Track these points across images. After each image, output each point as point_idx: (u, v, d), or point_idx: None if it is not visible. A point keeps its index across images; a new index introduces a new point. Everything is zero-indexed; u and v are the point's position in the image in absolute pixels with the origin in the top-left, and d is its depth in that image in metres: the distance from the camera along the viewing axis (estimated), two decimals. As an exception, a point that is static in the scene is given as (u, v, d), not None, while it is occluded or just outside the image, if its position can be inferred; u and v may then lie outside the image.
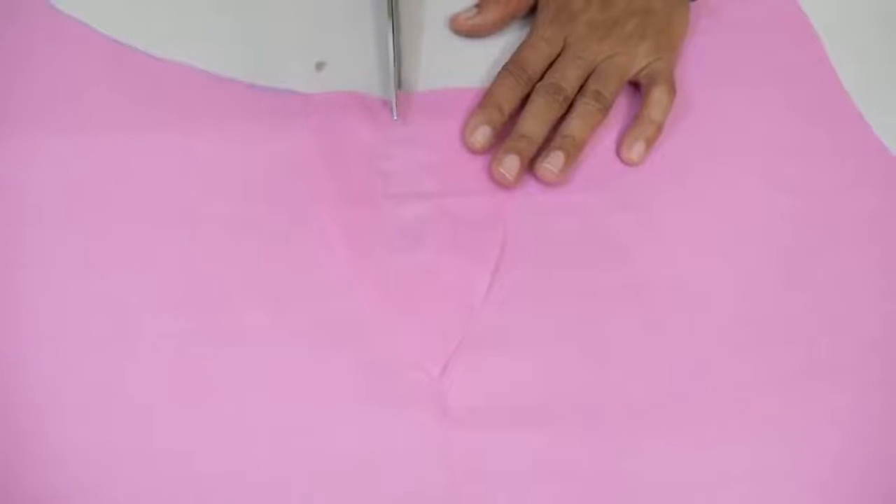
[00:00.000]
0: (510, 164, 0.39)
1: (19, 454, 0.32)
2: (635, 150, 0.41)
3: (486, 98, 0.41)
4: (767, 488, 0.34)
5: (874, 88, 0.44)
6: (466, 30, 0.44)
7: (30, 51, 0.41)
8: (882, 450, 0.35)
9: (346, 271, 0.37)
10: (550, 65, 0.42)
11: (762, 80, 0.44)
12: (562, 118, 0.40)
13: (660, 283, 0.38)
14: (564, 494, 0.33)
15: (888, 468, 0.35)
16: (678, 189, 0.41)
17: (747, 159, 0.42)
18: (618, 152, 0.41)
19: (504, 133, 0.40)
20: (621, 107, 0.43)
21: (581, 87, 0.41)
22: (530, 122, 0.40)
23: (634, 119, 0.42)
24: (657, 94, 0.41)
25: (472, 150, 0.40)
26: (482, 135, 0.40)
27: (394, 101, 0.41)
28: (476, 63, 0.44)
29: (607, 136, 0.42)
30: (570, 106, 0.41)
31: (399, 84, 0.42)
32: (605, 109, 0.41)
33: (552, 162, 0.39)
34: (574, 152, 0.40)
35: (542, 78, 0.41)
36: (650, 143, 0.41)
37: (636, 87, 0.43)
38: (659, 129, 0.41)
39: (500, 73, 0.41)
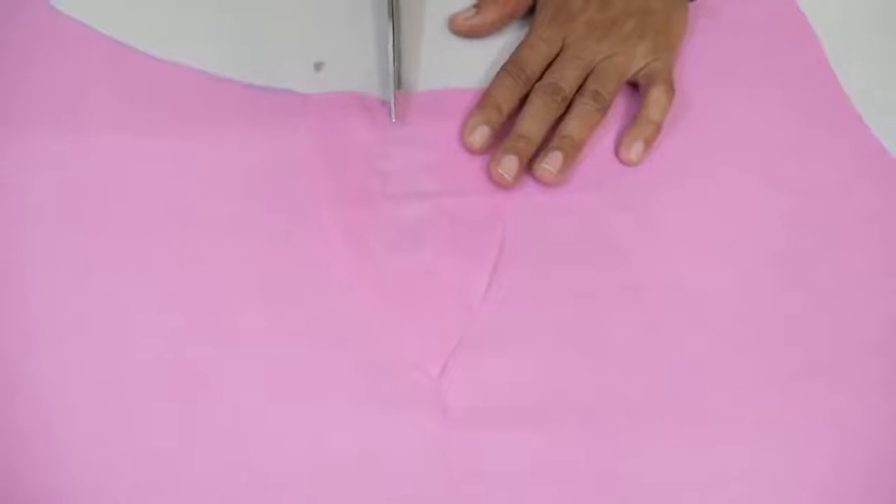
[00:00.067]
0: (509, 165, 0.39)
1: (17, 453, 0.32)
2: (634, 150, 0.41)
3: (485, 98, 0.41)
4: (766, 488, 0.34)
5: (873, 89, 0.44)
6: (465, 30, 0.44)
7: (29, 51, 0.41)
8: (882, 450, 0.35)
9: (345, 271, 0.37)
10: (549, 65, 0.42)
11: (761, 81, 0.44)
12: (560, 118, 0.40)
13: (658, 284, 0.38)
14: (563, 494, 0.33)
15: (888, 468, 0.35)
16: (677, 189, 0.41)
17: (746, 159, 0.42)
18: (616, 152, 0.41)
19: (503, 133, 0.40)
20: (620, 107, 0.43)
21: (580, 88, 0.41)
22: (529, 122, 0.40)
23: (633, 119, 0.42)
24: (656, 94, 0.41)
25: (471, 151, 0.40)
26: (481, 135, 0.40)
27: (392, 102, 0.41)
28: (475, 63, 0.44)
29: (606, 137, 0.42)
30: (569, 106, 0.41)
31: (398, 84, 0.42)
32: (604, 109, 0.41)
33: (551, 162, 0.39)
34: (573, 152, 0.40)
35: (540, 78, 0.41)
36: (649, 144, 0.41)
37: (635, 87, 0.43)
38: (657, 129, 0.41)
39: (498, 73, 0.41)
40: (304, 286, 0.36)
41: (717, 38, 0.46)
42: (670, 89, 0.42)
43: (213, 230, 0.37)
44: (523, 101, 0.41)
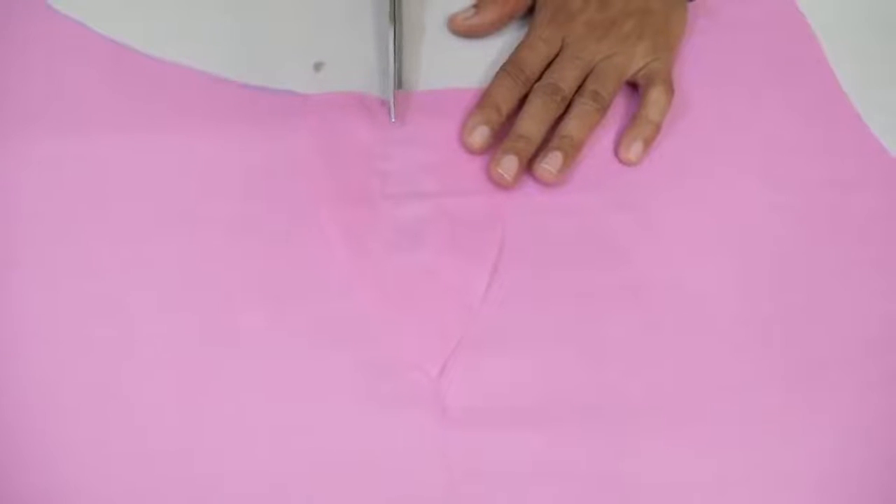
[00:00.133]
0: (508, 165, 0.39)
1: (15, 455, 0.32)
2: (633, 150, 0.41)
3: (484, 98, 0.41)
4: (766, 488, 0.34)
5: (872, 88, 0.44)
6: (464, 30, 0.44)
7: (27, 51, 0.41)
8: (882, 450, 0.35)
9: (344, 271, 0.37)
10: (548, 65, 0.42)
11: (760, 81, 0.44)
12: (560, 118, 0.40)
13: (658, 284, 0.38)
14: (563, 494, 0.33)
15: (888, 468, 0.35)
16: (676, 189, 0.41)
17: (745, 159, 0.42)
18: (616, 152, 0.41)
19: (502, 133, 0.40)
20: (619, 107, 0.43)
21: (579, 88, 0.41)
22: (528, 122, 0.40)
23: (632, 119, 0.42)
24: (655, 94, 0.41)
25: (471, 151, 0.40)
26: (480, 135, 0.40)
27: (392, 102, 0.41)
28: (474, 63, 0.44)
29: (605, 137, 0.42)
30: (568, 106, 0.41)
31: (399, 84, 0.42)
32: (603, 109, 0.41)
33: (550, 162, 0.39)
34: (572, 152, 0.40)
35: (539, 78, 0.41)
36: (648, 143, 0.41)
37: (634, 87, 0.43)
38: (657, 129, 0.41)
39: (497, 73, 0.41)
40: (304, 286, 0.36)
41: (716, 38, 0.46)
42: (670, 89, 0.42)
43: (212, 230, 0.37)
44: (523, 101, 0.41)
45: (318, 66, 0.43)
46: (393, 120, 0.41)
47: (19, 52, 0.41)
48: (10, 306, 0.35)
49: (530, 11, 0.45)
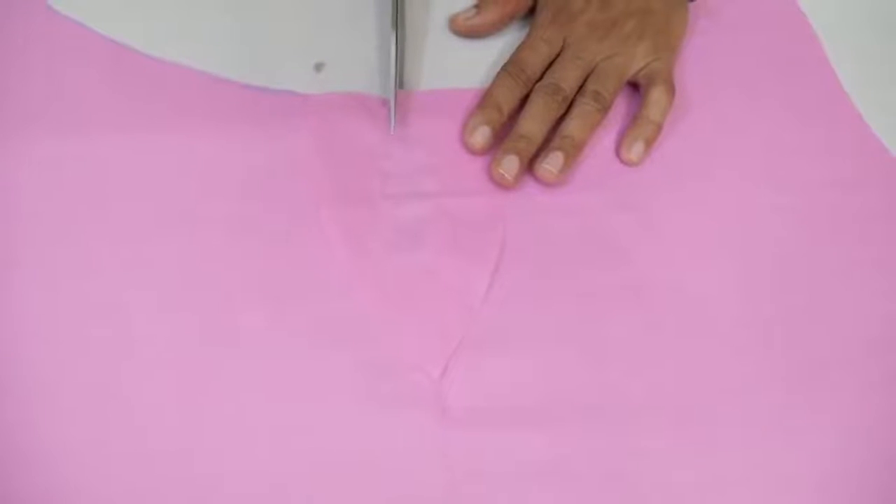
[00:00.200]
0: (509, 165, 0.39)
1: (15, 455, 0.32)
2: (634, 150, 0.41)
3: (486, 98, 0.41)
4: (767, 488, 0.34)
5: (873, 88, 0.44)
6: (465, 30, 0.44)
7: (27, 51, 0.41)
8: (882, 450, 0.35)
9: (345, 271, 0.37)
10: (549, 65, 0.42)
11: (761, 81, 0.44)
12: (561, 118, 0.40)
13: (659, 284, 0.38)
14: (564, 495, 0.33)
15: (889, 469, 0.35)
16: (677, 189, 0.41)
17: (747, 159, 0.42)
18: (617, 153, 0.41)
19: (503, 133, 0.40)
20: (620, 107, 0.43)
21: (580, 88, 0.41)
22: (529, 122, 0.40)
23: (633, 119, 0.42)
24: (656, 95, 0.41)
25: (472, 151, 0.40)
26: (481, 135, 0.40)
27: (392, 112, 0.40)
28: (475, 63, 0.44)
29: (606, 137, 0.42)
30: (570, 106, 0.41)
31: (400, 84, 0.42)
32: (605, 110, 0.41)
33: (551, 162, 0.39)
34: (573, 153, 0.40)
35: (541, 78, 0.41)
36: (649, 144, 0.41)
37: (635, 87, 0.43)
38: (658, 129, 0.41)
39: (498, 73, 0.41)
40: (304, 286, 0.36)
41: (717, 39, 0.46)
42: (671, 89, 0.42)
43: (213, 230, 0.37)
44: (524, 101, 0.41)
45: (318, 67, 0.43)
46: (392, 132, 0.40)
47: (19, 52, 0.41)
48: (10, 306, 0.35)
49: (531, 12, 0.45)
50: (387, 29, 0.42)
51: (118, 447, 0.33)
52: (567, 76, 0.41)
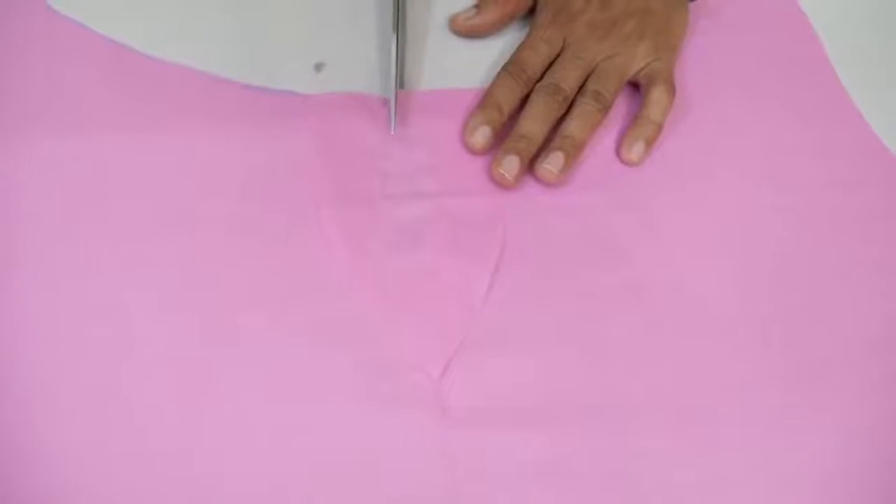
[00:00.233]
0: (510, 165, 0.39)
1: (15, 455, 0.32)
2: (635, 150, 0.41)
3: (486, 98, 0.41)
4: (767, 488, 0.34)
5: (873, 88, 0.44)
6: (465, 30, 0.44)
7: (27, 51, 0.41)
8: (882, 450, 0.35)
9: (345, 271, 0.37)
10: (550, 65, 0.42)
11: (761, 81, 0.44)
12: (561, 118, 0.40)
13: (659, 284, 0.38)
14: (565, 495, 0.33)
15: (889, 468, 0.35)
16: (678, 189, 0.41)
17: (747, 160, 0.42)
18: (617, 153, 0.41)
19: (504, 133, 0.40)
20: (621, 107, 0.43)
21: (580, 88, 0.41)
22: (530, 122, 0.40)
23: (634, 119, 0.42)
24: (656, 95, 0.41)
25: (472, 151, 0.40)
26: (482, 135, 0.40)
27: (392, 112, 0.40)
28: (475, 63, 0.44)
29: (607, 137, 0.42)
30: (570, 106, 0.41)
31: (400, 84, 0.42)
32: (605, 110, 0.41)
33: (552, 162, 0.39)
34: (574, 153, 0.40)
35: (541, 78, 0.41)
36: (650, 144, 0.41)
37: (636, 87, 0.43)
38: (658, 129, 0.41)
39: (499, 73, 0.41)
40: (304, 286, 0.36)
41: (717, 39, 0.46)
42: (671, 89, 0.42)
43: (213, 230, 0.37)
44: (524, 101, 0.41)
45: (318, 67, 0.43)
46: (393, 132, 0.40)
47: (19, 52, 0.41)
48: (10, 306, 0.35)
49: (531, 12, 0.45)
50: (387, 29, 0.42)
51: (118, 447, 0.33)
52: (567, 76, 0.41)
